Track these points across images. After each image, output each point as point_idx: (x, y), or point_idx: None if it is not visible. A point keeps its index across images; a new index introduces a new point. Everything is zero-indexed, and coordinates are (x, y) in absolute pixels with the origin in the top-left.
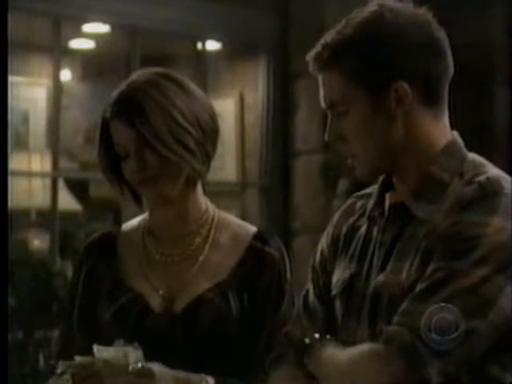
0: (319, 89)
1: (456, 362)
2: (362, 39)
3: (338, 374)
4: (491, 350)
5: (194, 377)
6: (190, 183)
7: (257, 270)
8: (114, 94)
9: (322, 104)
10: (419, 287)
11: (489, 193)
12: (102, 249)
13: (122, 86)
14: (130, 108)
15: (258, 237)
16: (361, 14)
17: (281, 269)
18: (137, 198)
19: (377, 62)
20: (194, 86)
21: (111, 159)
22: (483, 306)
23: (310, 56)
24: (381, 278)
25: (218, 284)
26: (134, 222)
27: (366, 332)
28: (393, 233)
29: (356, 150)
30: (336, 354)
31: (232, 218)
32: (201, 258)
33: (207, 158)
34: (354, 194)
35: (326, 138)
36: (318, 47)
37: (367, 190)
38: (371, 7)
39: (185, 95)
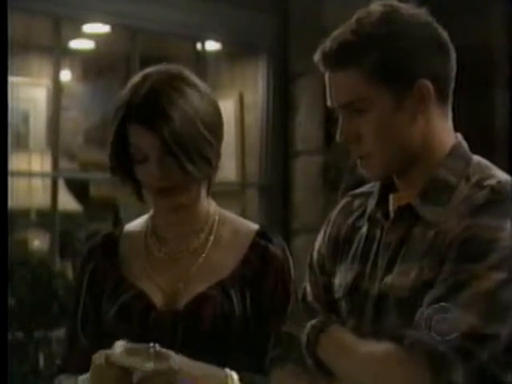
0: (328, 87)
1: (481, 367)
2: (382, 37)
3: (358, 367)
4: (504, 355)
5: (219, 372)
6: (200, 186)
7: (261, 268)
8: (130, 95)
9: (333, 103)
10: (438, 291)
11: (501, 197)
12: (104, 250)
13: (141, 87)
14: (155, 114)
15: (261, 234)
16: (374, 14)
17: (285, 268)
18: (140, 196)
19: (399, 60)
20: (199, 82)
21: (123, 159)
22: (503, 310)
23: (322, 53)
24: (388, 279)
25: (220, 281)
26: (136, 222)
27: (369, 333)
28: (399, 234)
29: (371, 150)
30: (355, 343)
31: (233, 216)
32: (203, 256)
33: (218, 160)
34: (349, 193)
35: (338, 137)
36: (330, 45)
37: (363, 189)
38: (380, 7)
39: (199, 97)
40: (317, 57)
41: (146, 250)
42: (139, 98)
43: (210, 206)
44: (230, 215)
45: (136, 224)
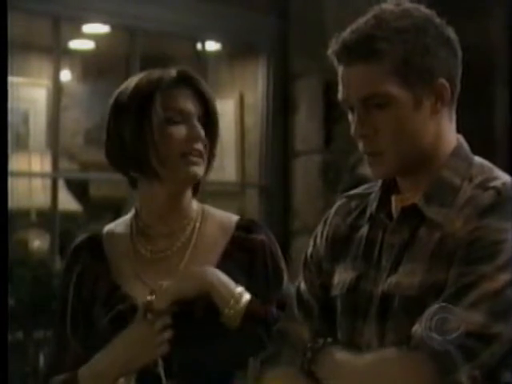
0: (342, 81)
1: (482, 366)
2: (408, 31)
3: (358, 379)
4: (505, 356)
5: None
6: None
7: (244, 258)
8: (158, 75)
9: (347, 96)
10: (447, 292)
11: (506, 198)
12: (90, 252)
13: (166, 73)
14: (194, 79)
15: (240, 226)
16: (393, 10)
17: (272, 249)
18: (134, 182)
19: (423, 56)
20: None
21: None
22: (508, 310)
23: (341, 45)
24: (393, 279)
25: None
26: (120, 222)
27: (373, 333)
28: (403, 235)
29: (386, 147)
30: (353, 359)
31: (216, 210)
32: (188, 252)
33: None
34: (344, 194)
35: (353, 131)
36: (350, 37)
37: (358, 191)
38: (394, 6)
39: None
40: (334, 49)
41: (134, 251)
42: (172, 74)
43: (193, 203)
44: (212, 210)
45: (118, 225)
